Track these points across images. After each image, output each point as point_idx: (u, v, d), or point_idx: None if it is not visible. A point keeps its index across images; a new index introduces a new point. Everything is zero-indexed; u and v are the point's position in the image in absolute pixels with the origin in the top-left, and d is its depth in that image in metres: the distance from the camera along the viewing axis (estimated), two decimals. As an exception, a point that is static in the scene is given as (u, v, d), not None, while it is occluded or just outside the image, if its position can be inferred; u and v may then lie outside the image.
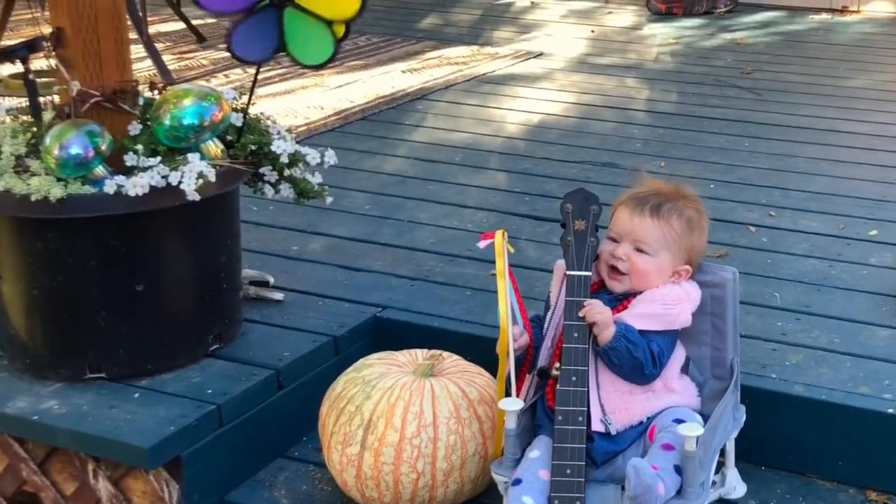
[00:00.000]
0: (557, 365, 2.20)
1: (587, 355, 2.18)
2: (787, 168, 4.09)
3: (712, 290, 2.38)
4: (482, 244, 2.29)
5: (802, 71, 5.62)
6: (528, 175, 4.05)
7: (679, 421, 2.19)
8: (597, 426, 2.21)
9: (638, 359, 2.22)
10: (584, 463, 2.12)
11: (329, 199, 2.79)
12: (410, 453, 2.33)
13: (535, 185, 3.95)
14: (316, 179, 2.73)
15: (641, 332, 2.26)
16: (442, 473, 2.35)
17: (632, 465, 2.04)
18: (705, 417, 2.26)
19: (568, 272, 2.25)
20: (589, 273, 2.25)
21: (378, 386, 2.39)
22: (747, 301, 2.94)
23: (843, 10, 7.06)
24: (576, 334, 2.21)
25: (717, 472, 2.37)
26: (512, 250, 2.29)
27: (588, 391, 2.21)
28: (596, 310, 2.19)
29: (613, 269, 2.33)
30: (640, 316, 2.29)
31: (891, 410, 2.49)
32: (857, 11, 7.07)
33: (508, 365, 2.26)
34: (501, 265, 2.27)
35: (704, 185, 3.84)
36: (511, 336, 2.26)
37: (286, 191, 2.70)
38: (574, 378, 2.16)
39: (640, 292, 2.33)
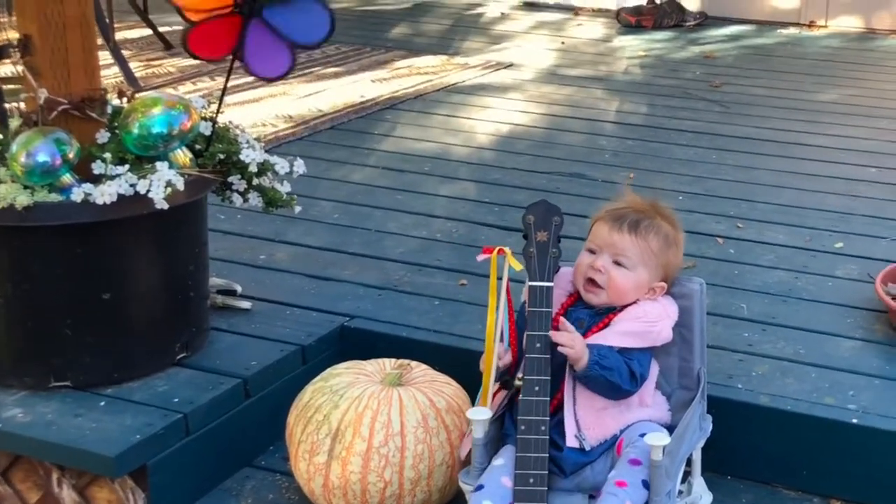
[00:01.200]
0: (520, 375, 2.18)
1: (549, 365, 2.17)
2: (753, 180, 4.09)
3: (680, 301, 2.38)
4: (480, 258, 2.28)
5: (770, 84, 5.65)
6: (496, 185, 4.04)
7: (644, 436, 2.18)
8: (571, 442, 2.20)
9: (614, 383, 2.20)
10: (546, 472, 2.11)
11: (297, 209, 2.77)
12: (378, 462, 2.32)
13: (504, 195, 3.93)
14: (284, 189, 2.72)
15: (623, 350, 2.24)
16: (409, 483, 2.34)
17: None
18: (673, 429, 2.25)
19: (530, 283, 2.22)
20: (551, 284, 2.22)
21: (346, 395, 2.37)
22: (714, 312, 2.94)
23: (811, 25, 7.11)
24: (538, 344, 2.18)
25: (683, 481, 2.36)
26: (519, 268, 2.24)
27: (558, 402, 2.21)
28: (566, 344, 2.17)
29: (590, 282, 2.31)
30: (622, 334, 2.26)
31: (855, 420, 2.50)
32: (825, 26, 7.12)
33: (491, 381, 2.27)
34: (493, 282, 2.26)
35: (672, 196, 3.83)
36: (496, 355, 2.26)
37: (254, 200, 2.69)
38: (537, 388, 2.14)
39: (618, 308, 2.31)
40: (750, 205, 3.83)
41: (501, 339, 2.26)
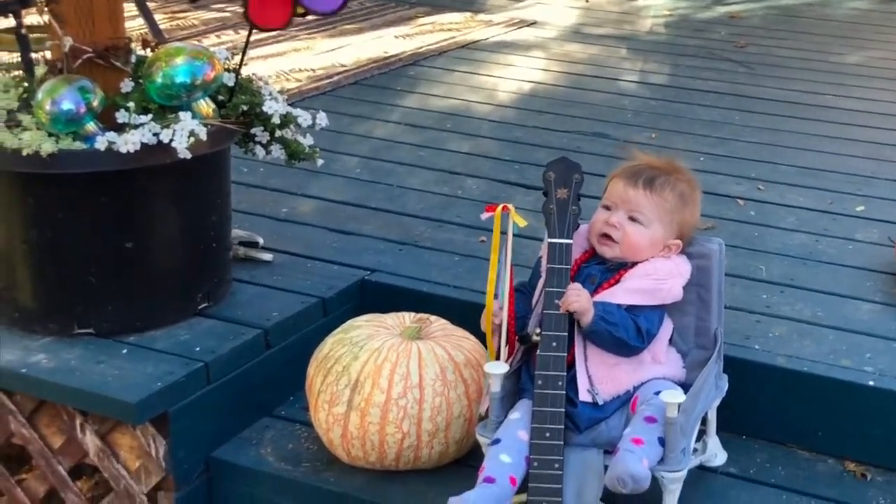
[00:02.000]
0: (538, 331, 2.18)
1: (566, 321, 2.16)
2: (776, 142, 4.03)
3: (698, 261, 2.35)
4: (484, 216, 2.26)
5: (796, 46, 5.58)
6: (518, 143, 3.99)
7: (660, 394, 2.18)
8: (584, 396, 2.19)
9: (619, 338, 2.18)
10: (562, 426, 2.11)
11: (320, 162, 2.75)
12: (396, 414, 2.32)
13: (525, 153, 3.88)
14: (307, 141, 2.69)
15: (631, 307, 2.22)
16: (427, 434, 2.34)
17: (622, 468, 2.03)
18: (688, 388, 2.24)
19: (549, 240, 2.21)
20: (570, 241, 2.21)
21: (365, 347, 2.37)
22: (733, 273, 2.90)
23: (839, -14, 7.02)
24: (556, 300, 2.18)
25: (698, 439, 2.34)
26: (523, 224, 2.24)
27: (572, 359, 2.20)
28: (571, 299, 2.15)
29: (605, 237, 2.30)
30: (630, 291, 2.24)
31: (871, 383, 2.48)
32: (852, -12, 7.03)
33: (494, 339, 2.25)
34: (496, 239, 2.24)
35: (694, 157, 3.77)
36: (504, 312, 2.24)
37: (277, 152, 2.66)
38: (554, 344, 2.14)
39: (631, 264, 2.29)
40: (772, 167, 3.80)
41: (496, 297, 2.25)
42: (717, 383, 2.36)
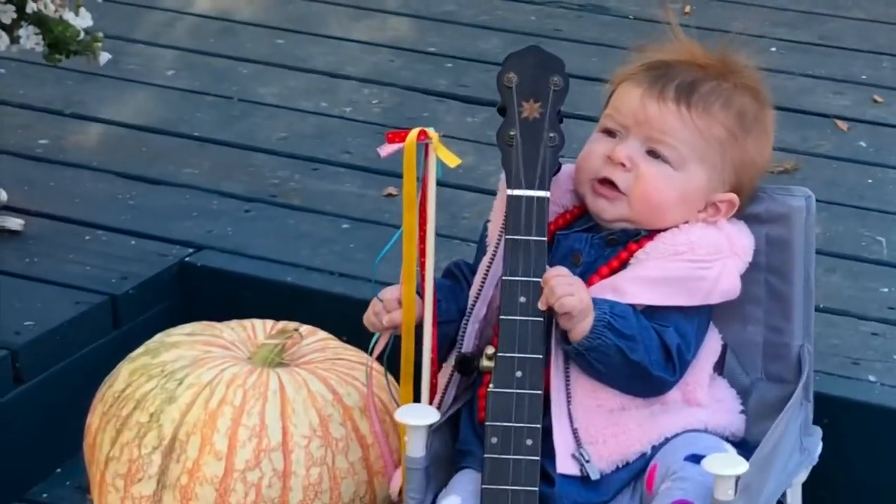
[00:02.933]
0: (491, 350, 1.81)
1: (541, 333, 1.79)
2: None
3: (769, 228, 1.92)
4: (384, 151, 1.88)
5: None
6: (450, 23, 3.45)
7: (696, 458, 1.77)
8: (566, 466, 1.79)
9: (637, 363, 1.80)
10: None
11: (105, 57, 2.36)
12: (243, 497, 1.91)
13: (463, 41, 3.34)
14: (82, 22, 2.30)
15: (651, 310, 1.83)
16: None
17: None
18: (751, 450, 1.80)
19: (509, 191, 1.85)
20: (546, 193, 1.84)
21: (188, 381, 1.99)
22: (830, 250, 2.53)
23: None
24: (522, 298, 1.79)
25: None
26: (454, 163, 1.86)
27: (550, 399, 1.82)
28: (560, 291, 1.77)
29: (605, 183, 1.88)
30: (647, 281, 1.84)
31: None
32: None
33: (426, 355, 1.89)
34: (410, 188, 1.87)
35: (761, 47, 3.17)
36: (427, 307, 1.86)
37: (30, 39, 2.28)
38: (519, 373, 1.78)
39: (645, 233, 1.89)
40: None
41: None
42: (802, 442, 1.92)
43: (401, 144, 1.85)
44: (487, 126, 2.78)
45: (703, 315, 1.87)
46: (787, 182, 2.53)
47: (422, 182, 1.90)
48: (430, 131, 1.85)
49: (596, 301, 1.79)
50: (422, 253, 1.93)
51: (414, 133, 1.84)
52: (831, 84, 3.19)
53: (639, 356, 1.78)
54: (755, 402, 1.91)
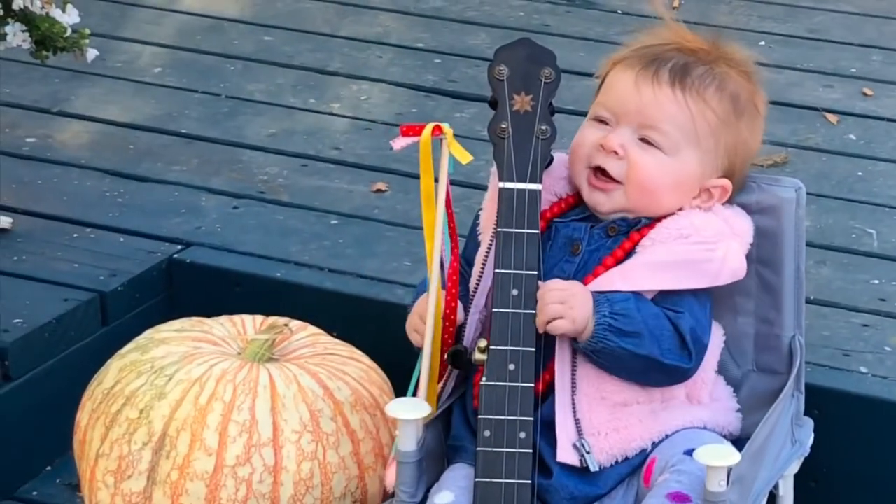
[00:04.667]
0: (483, 343, 1.80)
1: (533, 326, 1.80)
2: (892, 12, 3.54)
3: (759, 219, 1.92)
4: (398, 144, 1.87)
5: None
6: (438, 20, 3.46)
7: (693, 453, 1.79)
8: (566, 456, 1.79)
9: (646, 356, 1.78)
10: None
11: (92, 54, 2.35)
12: (234, 493, 1.92)
13: (451, 37, 3.35)
14: (70, 19, 2.29)
15: (663, 295, 1.83)
16: None
17: None
18: (742, 441, 1.84)
19: (501, 184, 1.84)
20: (538, 186, 1.83)
21: (177, 377, 1.99)
22: (821, 242, 2.55)
23: None
24: (514, 291, 1.79)
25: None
26: (466, 161, 1.87)
27: (547, 387, 1.82)
28: (550, 311, 1.78)
29: (599, 173, 1.88)
30: (659, 266, 1.82)
31: None
32: None
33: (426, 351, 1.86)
34: (428, 183, 1.87)
35: (751, 40, 3.20)
36: (430, 302, 1.83)
37: (16, 37, 2.28)
38: (512, 366, 1.78)
39: (646, 221, 1.89)
40: (887, 55, 3.29)
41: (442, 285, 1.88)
42: (793, 434, 1.93)
43: (415, 138, 1.84)
44: (476, 121, 2.81)
45: (709, 298, 1.87)
46: (777, 173, 2.51)
47: (441, 181, 1.88)
48: (445, 127, 1.85)
49: (596, 301, 1.79)
50: (452, 251, 1.91)
51: (429, 128, 1.83)
52: (821, 77, 3.20)
53: (646, 350, 1.78)
54: (747, 393, 1.91)
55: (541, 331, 1.80)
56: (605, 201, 1.87)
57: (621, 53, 1.94)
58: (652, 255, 1.84)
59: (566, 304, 1.77)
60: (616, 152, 1.86)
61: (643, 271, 1.83)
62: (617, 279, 1.82)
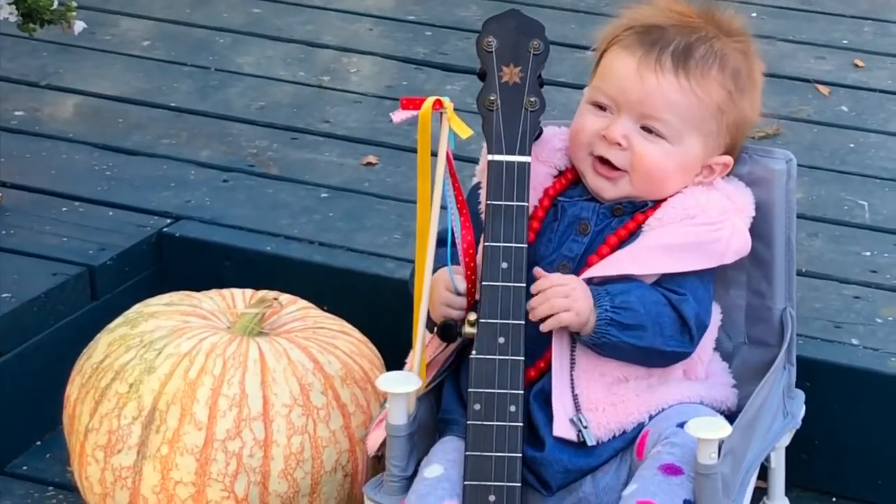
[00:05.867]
0: (473, 316, 1.79)
1: (523, 299, 1.80)
2: None
3: (751, 190, 1.91)
4: (398, 117, 1.85)
5: None
6: None
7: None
8: (563, 430, 1.78)
9: (648, 347, 1.80)
10: (518, 485, 1.74)
11: (79, 27, 2.36)
12: (224, 466, 1.93)
13: (441, 9, 3.36)
14: None
15: (667, 276, 1.83)
16: (279, 501, 1.98)
17: None
18: (734, 414, 1.84)
19: (490, 157, 1.83)
20: (527, 158, 1.82)
21: (167, 351, 2.00)
22: (813, 214, 2.55)
23: None
24: (504, 263, 1.79)
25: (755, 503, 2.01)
26: (466, 135, 1.84)
27: (546, 364, 1.82)
28: (552, 304, 1.76)
29: (602, 163, 1.87)
30: (667, 248, 1.82)
31: None
32: None
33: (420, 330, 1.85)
34: (424, 156, 1.84)
35: (743, 11, 3.14)
36: (425, 279, 1.83)
37: (2, 10, 2.30)
38: (502, 339, 1.77)
39: (651, 203, 1.89)
40: (879, 27, 3.28)
41: (455, 262, 1.86)
42: (784, 406, 1.93)
43: (415, 112, 1.82)
44: (466, 93, 2.78)
45: (712, 278, 1.86)
46: (768, 145, 2.53)
47: (441, 154, 1.85)
48: (446, 101, 1.83)
49: (596, 295, 1.78)
50: (463, 226, 1.88)
51: (430, 102, 1.81)
52: (812, 49, 3.20)
53: (648, 342, 1.78)
54: (739, 365, 1.92)
55: (547, 327, 1.79)
56: (609, 188, 1.86)
57: (616, 29, 1.89)
58: (660, 238, 1.83)
59: (570, 297, 1.77)
60: (619, 144, 1.86)
61: (652, 254, 1.82)
62: (625, 261, 1.82)
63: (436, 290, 1.85)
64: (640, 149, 1.83)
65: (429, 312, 1.89)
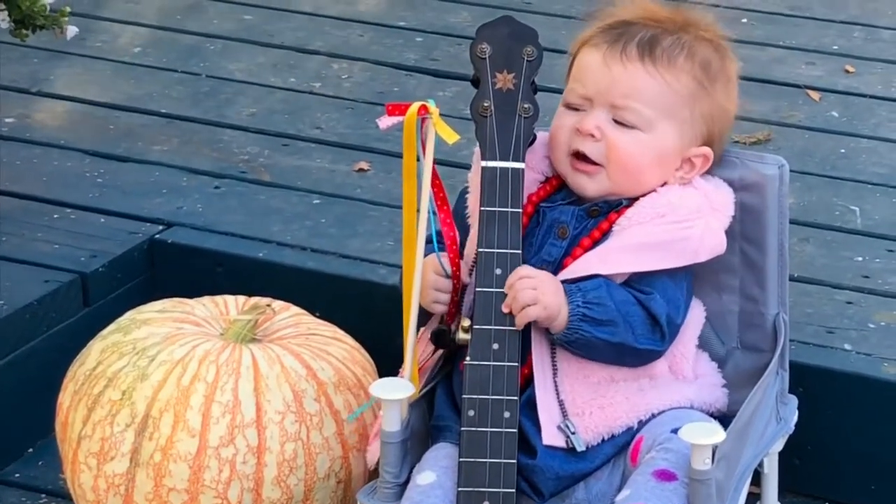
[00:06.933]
0: (467, 322, 1.81)
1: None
2: None
3: (743, 196, 1.91)
4: (384, 123, 1.87)
5: None
6: None
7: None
8: (552, 438, 1.80)
9: (621, 343, 1.79)
10: (513, 490, 1.74)
11: (72, 32, 2.35)
12: (217, 473, 1.93)
13: (432, 15, 3.36)
14: None
15: (637, 275, 1.83)
16: None
17: None
18: (727, 419, 1.84)
19: (484, 163, 1.84)
20: (521, 164, 1.84)
21: (160, 358, 2.00)
22: (805, 219, 2.55)
23: None
24: (497, 270, 1.80)
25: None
26: (452, 139, 1.85)
27: (530, 371, 1.82)
28: (522, 298, 1.77)
29: (579, 157, 1.87)
30: (635, 248, 1.82)
31: None
32: None
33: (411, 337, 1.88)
34: (409, 163, 1.86)
35: (732, 17, 3.19)
36: (415, 282, 1.84)
37: None
38: (496, 346, 1.78)
39: (627, 201, 1.88)
40: (869, 32, 3.28)
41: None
42: (777, 411, 1.94)
43: (401, 118, 1.83)
44: (458, 99, 2.80)
45: (687, 277, 1.86)
46: (760, 150, 2.53)
47: (425, 158, 1.86)
48: (431, 106, 1.84)
49: (569, 291, 1.78)
50: (443, 223, 1.90)
51: (415, 107, 1.82)
52: (803, 54, 3.21)
53: (620, 337, 1.78)
54: (731, 371, 1.92)
55: (519, 323, 1.79)
56: (589, 185, 1.86)
57: (587, 32, 1.91)
58: (629, 238, 1.84)
59: (538, 290, 1.77)
60: (593, 135, 1.86)
61: (621, 254, 1.83)
62: (594, 262, 1.82)
63: (425, 275, 1.85)
64: (614, 139, 1.83)
65: (420, 308, 1.87)
